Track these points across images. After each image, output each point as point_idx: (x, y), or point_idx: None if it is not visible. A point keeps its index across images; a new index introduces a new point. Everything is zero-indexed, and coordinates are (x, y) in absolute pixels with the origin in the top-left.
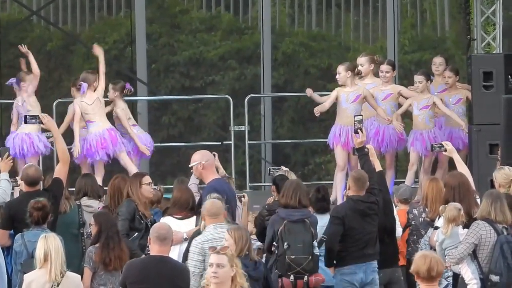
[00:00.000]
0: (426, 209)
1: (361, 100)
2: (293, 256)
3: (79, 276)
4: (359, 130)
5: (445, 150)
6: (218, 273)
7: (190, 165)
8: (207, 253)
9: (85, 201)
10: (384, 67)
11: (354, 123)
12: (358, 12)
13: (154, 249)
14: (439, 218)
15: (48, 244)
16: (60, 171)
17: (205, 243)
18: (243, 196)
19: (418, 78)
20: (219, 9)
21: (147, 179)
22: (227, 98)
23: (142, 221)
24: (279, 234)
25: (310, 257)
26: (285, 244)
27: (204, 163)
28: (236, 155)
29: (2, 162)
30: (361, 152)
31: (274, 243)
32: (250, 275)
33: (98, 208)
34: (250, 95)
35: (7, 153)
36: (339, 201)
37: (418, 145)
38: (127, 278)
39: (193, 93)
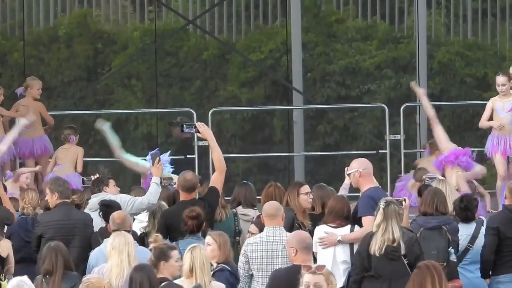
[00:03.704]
0: None
1: None
2: None
3: (224, 285)
4: None
5: None
6: None
7: (347, 172)
8: (249, 256)
9: (241, 209)
10: None
11: None
12: None
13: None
14: None
15: (193, 256)
16: (216, 180)
17: (249, 245)
18: (404, 200)
19: None
20: (375, 18)
21: (305, 188)
22: (383, 107)
23: (300, 230)
24: (419, 241)
25: (445, 264)
26: None
27: (361, 171)
28: (392, 164)
29: (153, 167)
30: None
31: None
32: None
33: (253, 217)
34: (405, 104)
35: (158, 157)
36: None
37: None
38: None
39: (349, 102)
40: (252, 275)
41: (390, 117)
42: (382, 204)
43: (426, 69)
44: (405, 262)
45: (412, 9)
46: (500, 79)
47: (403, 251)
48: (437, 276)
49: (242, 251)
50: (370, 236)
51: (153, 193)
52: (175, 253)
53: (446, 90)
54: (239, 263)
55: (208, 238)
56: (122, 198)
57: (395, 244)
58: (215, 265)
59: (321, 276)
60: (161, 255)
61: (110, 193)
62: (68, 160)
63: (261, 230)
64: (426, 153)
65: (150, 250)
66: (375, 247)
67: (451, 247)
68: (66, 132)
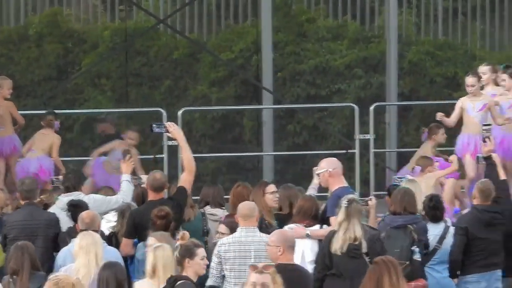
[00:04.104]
0: None
1: (488, 109)
2: None
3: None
4: (487, 139)
5: None
6: None
7: (317, 172)
8: (222, 256)
9: (209, 209)
10: (502, 75)
11: (483, 131)
12: (485, 20)
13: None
14: None
15: (156, 256)
16: (185, 180)
17: (222, 246)
18: (370, 199)
19: None
20: (345, 17)
21: (271, 188)
22: (353, 106)
23: (268, 230)
24: (381, 240)
25: (408, 263)
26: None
27: (331, 170)
28: (361, 163)
29: (123, 163)
30: (489, 161)
31: None
32: None
33: (221, 217)
34: (375, 104)
35: (129, 154)
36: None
37: None
38: None
39: (318, 102)
40: (224, 276)
41: (359, 117)
42: (344, 202)
43: (396, 68)
44: (367, 261)
45: (383, 9)
46: (470, 80)
47: (364, 249)
48: (394, 271)
49: (215, 251)
50: (332, 234)
51: (126, 191)
52: (200, 251)
53: (416, 90)
54: (212, 263)
55: (151, 240)
56: (96, 198)
57: (356, 243)
58: None
59: (268, 276)
60: (186, 252)
61: (84, 192)
62: (44, 145)
63: (231, 230)
64: (423, 138)
65: (177, 247)
66: (337, 246)
67: (415, 246)
68: (49, 117)
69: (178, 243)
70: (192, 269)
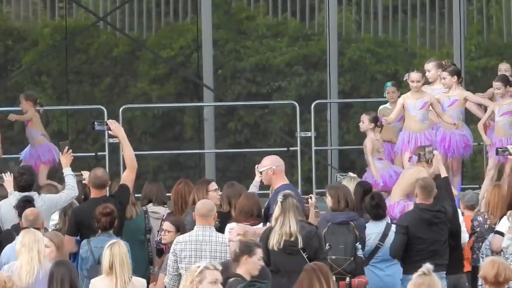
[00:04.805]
0: (491, 216)
1: (428, 106)
2: (334, 257)
3: (144, 281)
4: (430, 160)
5: (510, 154)
6: None
7: (259, 170)
8: (177, 254)
9: (151, 207)
10: (443, 73)
11: (425, 153)
12: (425, 18)
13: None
14: (499, 222)
15: (113, 253)
16: (127, 177)
17: (178, 244)
18: (310, 198)
19: (496, 84)
20: (285, 15)
21: (213, 185)
22: (294, 104)
23: None
24: (323, 236)
25: (352, 259)
26: (327, 245)
27: (274, 168)
28: (303, 161)
29: (62, 156)
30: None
31: None
32: None
33: (163, 215)
34: (316, 101)
35: (67, 147)
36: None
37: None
38: None
39: (259, 99)
40: (181, 275)
41: (300, 114)
42: (279, 197)
43: (336, 66)
44: (305, 256)
45: (323, 6)
46: (415, 75)
47: (300, 245)
48: (324, 278)
49: (171, 250)
50: (269, 230)
51: (74, 185)
52: (259, 251)
53: (356, 87)
54: (169, 261)
55: (45, 240)
56: (48, 198)
57: (292, 239)
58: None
59: (219, 273)
60: (246, 249)
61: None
62: None
63: (177, 227)
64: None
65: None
66: (274, 241)
67: (358, 243)
68: None
69: (238, 238)
70: (246, 267)
